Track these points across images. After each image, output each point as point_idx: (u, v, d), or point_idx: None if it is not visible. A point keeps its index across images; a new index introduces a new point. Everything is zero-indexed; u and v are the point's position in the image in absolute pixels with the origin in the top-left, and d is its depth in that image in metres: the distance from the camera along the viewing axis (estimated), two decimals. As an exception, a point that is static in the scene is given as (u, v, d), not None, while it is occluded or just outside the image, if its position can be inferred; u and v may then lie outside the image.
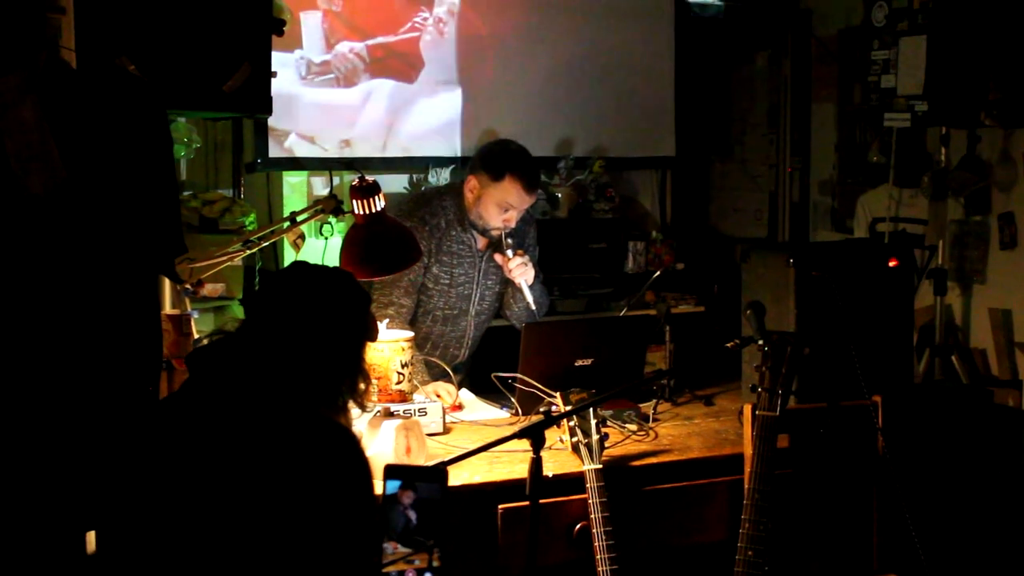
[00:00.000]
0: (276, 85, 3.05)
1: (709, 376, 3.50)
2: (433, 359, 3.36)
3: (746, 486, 2.50)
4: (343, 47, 4.61)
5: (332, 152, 4.60)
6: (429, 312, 3.44)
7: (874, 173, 5.18)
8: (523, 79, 5.06)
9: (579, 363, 3.05)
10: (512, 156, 3.39)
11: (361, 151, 4.67)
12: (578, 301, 4.93)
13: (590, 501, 2.49)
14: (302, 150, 4.57)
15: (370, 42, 4.68)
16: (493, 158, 3.39)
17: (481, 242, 3.45)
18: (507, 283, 3.51)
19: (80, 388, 2.33)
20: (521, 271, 3.37)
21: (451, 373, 3.26)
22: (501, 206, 3.33)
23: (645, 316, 3.85)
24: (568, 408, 2.60)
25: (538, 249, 3.66)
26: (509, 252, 3.36)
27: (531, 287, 3.41)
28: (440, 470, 1.90)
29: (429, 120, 4.85)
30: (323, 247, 3.45)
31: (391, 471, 1.86)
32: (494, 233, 3.39)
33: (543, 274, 3.57)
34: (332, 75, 4.59)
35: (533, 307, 3.42)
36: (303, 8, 4.47)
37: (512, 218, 3.37)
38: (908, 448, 3.00)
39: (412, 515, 1.83)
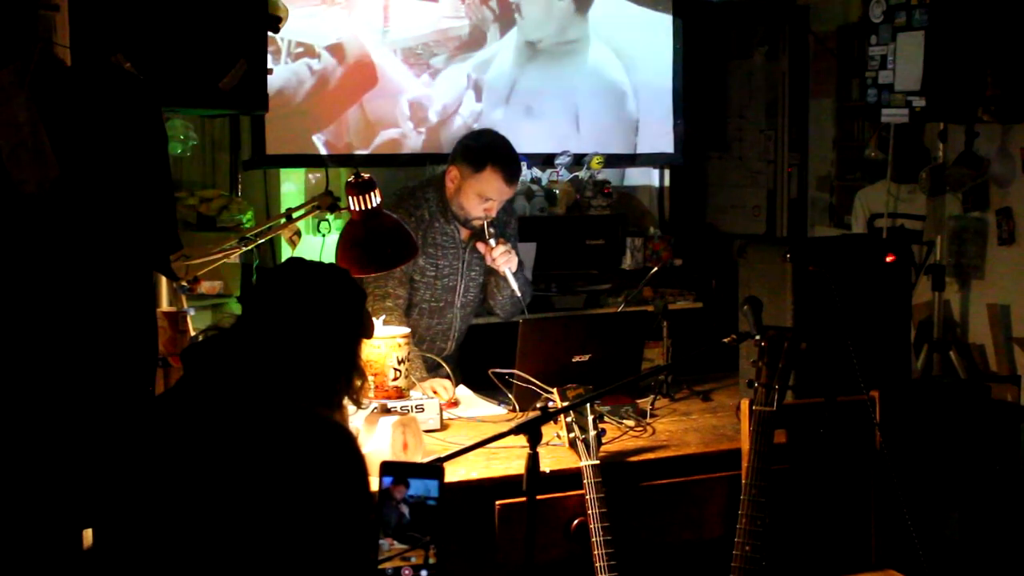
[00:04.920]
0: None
1: (706, 372, 3.50)
2: (430, 355, 3.36)
3: (743, 481, 2.49)
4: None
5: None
6: (416, 305, 3.42)
7: (872, 169, 5.19)
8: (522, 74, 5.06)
9: (576, 359, 3.04)
10: (492, 148, 3.36)
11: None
12: (576, 297, 4.94)
13: (587, 497, 2.49)
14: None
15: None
16: (473, 149, 3.36)
17: (464, 233, 3.45)
18: (490, 274, 3.50)
19: (75, 385, 2.33)
20: (505, 259, 3.37)
21: (446, 367, 3.26)
22: (481, 197, 3.32)
23: (643, 312, 3.83)
24: (565, 404, 2.59)
25: (518, 240, 3.64)
26: (492, 241, 3.36)
27: (514, 275, 3.41)
28: (437, 467, 1.89)
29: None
30: (320, 244, 3.45)
31: (387, 467, 1.86)
32: (476, 224, 3.39)
33: (524, 262, 3.56)
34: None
35: (518, 293, 3.41)
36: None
37: (493, 208, 3.35)
38: (906, 443, 3.00)
39: (407, 511, 1.82)
